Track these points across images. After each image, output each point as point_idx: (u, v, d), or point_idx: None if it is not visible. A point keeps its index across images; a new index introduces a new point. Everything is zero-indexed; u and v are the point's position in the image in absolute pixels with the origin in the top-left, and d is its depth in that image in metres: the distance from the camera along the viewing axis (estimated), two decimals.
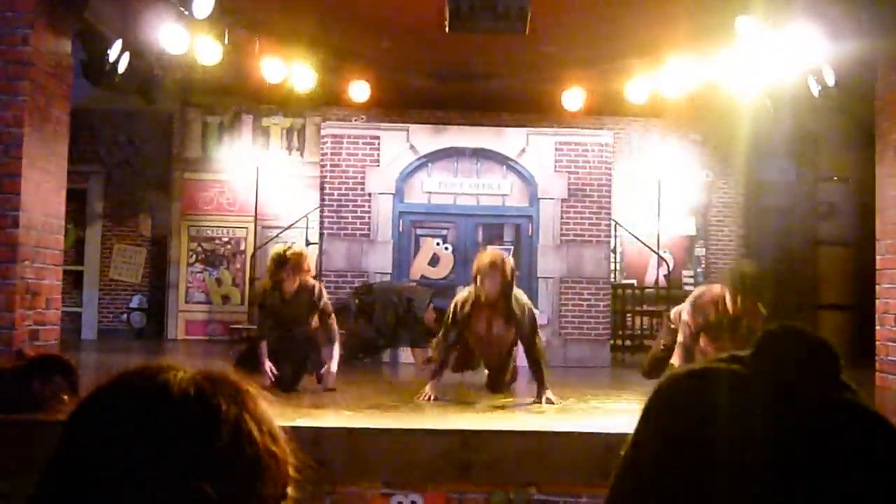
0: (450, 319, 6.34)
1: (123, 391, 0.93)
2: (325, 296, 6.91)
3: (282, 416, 0.98)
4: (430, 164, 9.76)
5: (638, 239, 11.45)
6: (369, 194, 9.63)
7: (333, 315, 6.89)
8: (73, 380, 5.29)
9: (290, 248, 7.16)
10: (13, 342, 5.88)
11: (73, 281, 11.45)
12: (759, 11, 7.07)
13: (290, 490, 0.94)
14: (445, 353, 6.35)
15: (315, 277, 7.71)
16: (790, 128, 9.37)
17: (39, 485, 0.89)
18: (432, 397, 6.07)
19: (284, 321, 6.83)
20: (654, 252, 11.44)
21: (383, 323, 9.15)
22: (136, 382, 0.93)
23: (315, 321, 6.88)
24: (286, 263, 6.78)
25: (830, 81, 7.24)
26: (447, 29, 7.34)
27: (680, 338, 6.09)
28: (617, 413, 5.75)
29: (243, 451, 0.90)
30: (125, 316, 11.85)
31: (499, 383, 6.78)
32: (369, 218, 9.63)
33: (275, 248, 7.23)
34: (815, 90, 7.37)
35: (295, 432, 0.98)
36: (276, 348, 6.69)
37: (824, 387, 0.81)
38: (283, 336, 6.76)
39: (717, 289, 6.04)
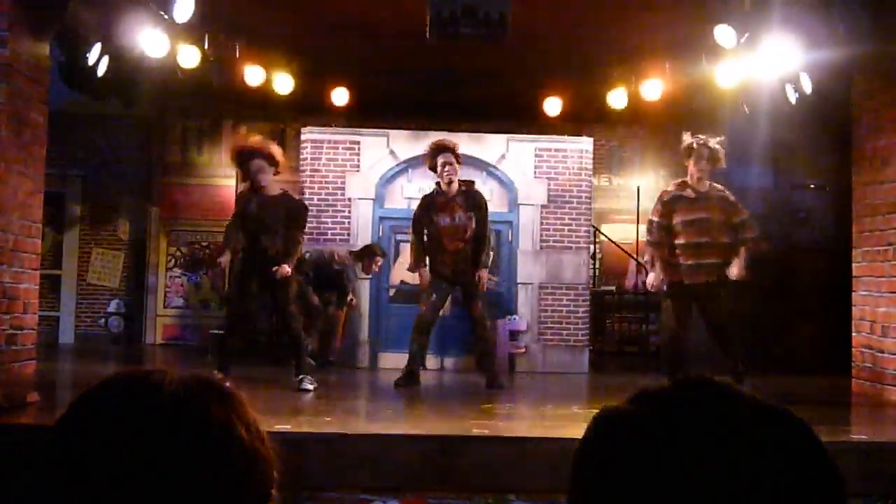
0: (414, 219, 7.42)
1: (114, 392, 0.93)
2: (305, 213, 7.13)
3: (259, 422, 0.99)
4: (410, 170, 9.75)
5: (617, 245, 11.50)
6: (349, 199, 9.61)
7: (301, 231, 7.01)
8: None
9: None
10: None
11: (51, 285, 11.35)
12: (736, 20, 7.13)
13: (274, 491, 0.96)
14: (419, 243, 7.37)
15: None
16: (767, 135, 9.45)
17: (30, 487, 0.89)
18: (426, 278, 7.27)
19: (254, 229, 6.77)
20: (633, 258, 11.48)
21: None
22: (126, 384, 0.94)
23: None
24: (256, 152, 6.74)
25: (807, 89, 7.31)
26: (428, 35, 7.35)
27: (647, 236, 6.77)
28: None
29: (232, 451, 0.91)
30: (103, 320, 11.75)
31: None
32: (349, 223, 9.61)
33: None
34: (793, 98, 7.45)
35: (272, 438, 0.99)
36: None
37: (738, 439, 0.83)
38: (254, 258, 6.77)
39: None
